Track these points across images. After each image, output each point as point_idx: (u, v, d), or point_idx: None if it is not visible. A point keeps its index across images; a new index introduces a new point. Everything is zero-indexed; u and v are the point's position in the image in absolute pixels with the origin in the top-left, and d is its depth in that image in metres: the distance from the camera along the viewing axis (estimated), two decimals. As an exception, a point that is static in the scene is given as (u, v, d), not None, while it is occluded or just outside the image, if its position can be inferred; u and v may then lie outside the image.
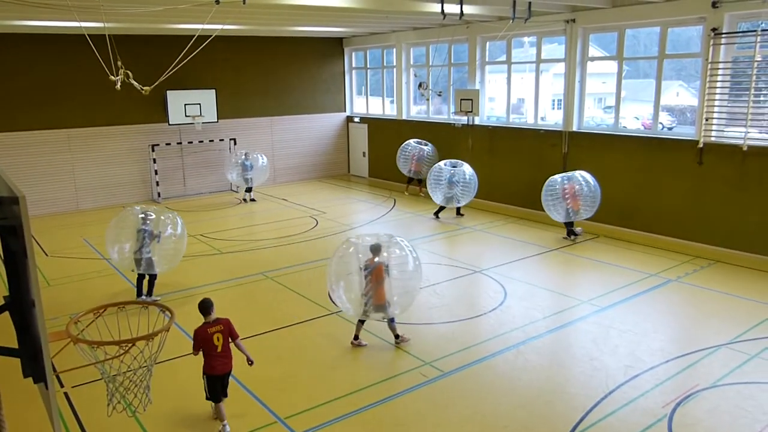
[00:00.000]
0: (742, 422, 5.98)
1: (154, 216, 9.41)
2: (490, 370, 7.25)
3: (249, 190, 17.44)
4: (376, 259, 7.51)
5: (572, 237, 12.60)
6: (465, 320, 8.75)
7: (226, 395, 6.13)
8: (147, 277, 9.50)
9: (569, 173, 12.43)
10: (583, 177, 12.32)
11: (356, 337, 7.97)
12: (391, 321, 7.85)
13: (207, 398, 6.13)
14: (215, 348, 5.92)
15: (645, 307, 9.11)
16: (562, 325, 8.50)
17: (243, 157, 17.14)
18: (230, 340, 6.08)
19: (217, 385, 6.02)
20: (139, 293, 9.48)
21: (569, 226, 12.64)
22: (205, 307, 6.07)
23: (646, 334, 8.11)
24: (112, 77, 11.38)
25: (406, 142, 17.81)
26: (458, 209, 14.85)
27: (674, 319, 8.88)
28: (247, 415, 6.35)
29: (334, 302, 8.37)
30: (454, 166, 14.44)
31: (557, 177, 12.48)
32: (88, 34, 10.97)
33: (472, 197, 14.52)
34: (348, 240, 7.96)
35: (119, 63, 11.34)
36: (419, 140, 17.77)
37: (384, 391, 6.73)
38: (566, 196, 12.24)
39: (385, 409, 6.38)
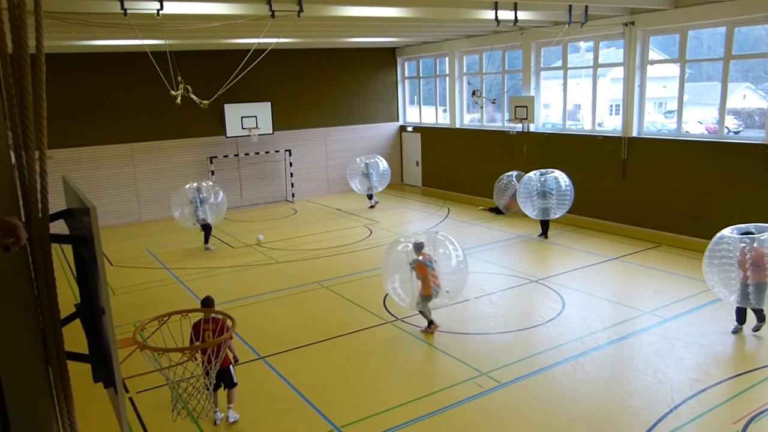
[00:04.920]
0: (821, 442, 5.64)
1: (205, 187, 13.55)
2: (547, 382, 7.09)
3: (370, 197, 17.95)
4: (420, 257, 8.21)
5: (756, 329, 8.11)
6: (521, 330, 8.59)
7: (229, 386, 6.47)
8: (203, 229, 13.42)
9: None
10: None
11: (430, 323, 8.50)
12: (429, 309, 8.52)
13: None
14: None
15: (711, 318, 8.72)
16: (624, 336, 8.23)
17: (363, 166, 17.63)
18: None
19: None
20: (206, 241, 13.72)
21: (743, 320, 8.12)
22: (205, 304, 6.63)
23: (714, 347, 7.76)
24: (173, 92, 11.81)
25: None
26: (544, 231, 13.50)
27: (744, 331, 8.46)
28: (305, 421, 6.41)
29: (391, 296, 8.83)
30: (543, 175, 13.08)
31: (731, 234, 8.23)
32: (149, 51, 11.42)
33: (568, 208, 13.08)
34: (397, 240, 8.80)
35: (179, 78, 11.75)
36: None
37: (439, 402, 6.67)
38: (747, 264, 7.71)
39: (440, 420, 6.32)
